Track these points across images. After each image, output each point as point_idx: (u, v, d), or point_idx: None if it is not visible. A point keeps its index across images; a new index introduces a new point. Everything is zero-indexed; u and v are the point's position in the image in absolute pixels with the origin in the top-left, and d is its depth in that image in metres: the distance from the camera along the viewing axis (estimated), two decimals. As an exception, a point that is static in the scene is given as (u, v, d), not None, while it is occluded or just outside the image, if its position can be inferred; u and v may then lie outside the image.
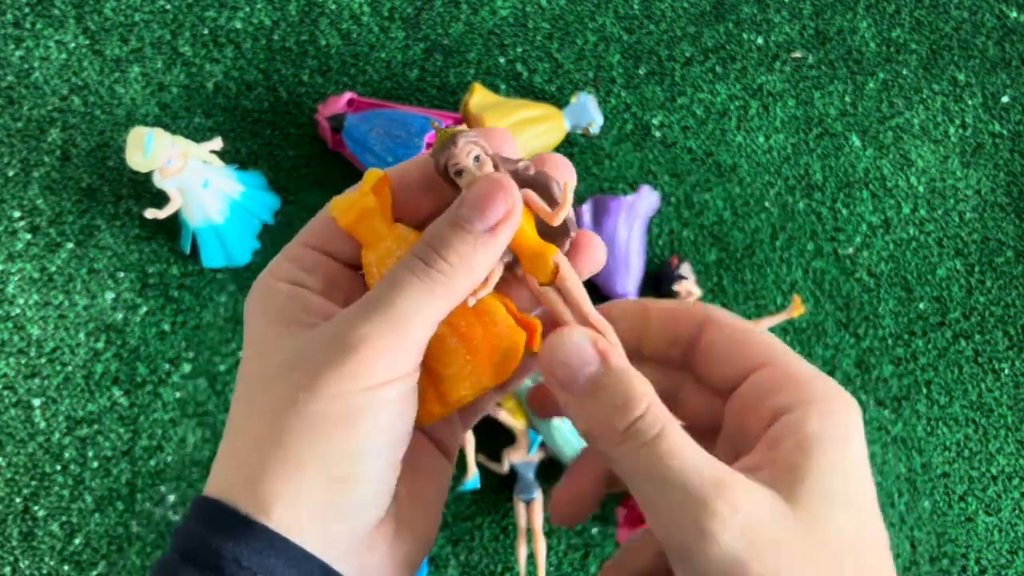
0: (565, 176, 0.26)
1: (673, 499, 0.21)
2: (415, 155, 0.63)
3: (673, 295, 0.66)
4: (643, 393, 0.23)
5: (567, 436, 0.61)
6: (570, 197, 0.26)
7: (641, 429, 0.22)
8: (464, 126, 0.27)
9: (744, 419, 0.25)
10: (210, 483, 0.24)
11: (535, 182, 0.26)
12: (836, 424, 0.23)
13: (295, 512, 0.23)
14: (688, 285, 0.65)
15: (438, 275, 0.24)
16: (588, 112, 0.69)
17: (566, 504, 0.29)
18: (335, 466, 0.23)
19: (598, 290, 0.67)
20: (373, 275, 0.27)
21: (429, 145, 0.67)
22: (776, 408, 0.24)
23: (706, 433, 0.26)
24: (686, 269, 0.66)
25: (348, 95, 0.68)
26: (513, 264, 0.27)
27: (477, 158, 0.26)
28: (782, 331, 0.69)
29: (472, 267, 0.24)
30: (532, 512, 0.62)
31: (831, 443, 0.22)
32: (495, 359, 0.26)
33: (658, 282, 0.68)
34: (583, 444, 0.61)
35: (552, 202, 0.26)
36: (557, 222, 0.26)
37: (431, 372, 0.26)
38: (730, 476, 0.22)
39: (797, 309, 0.65)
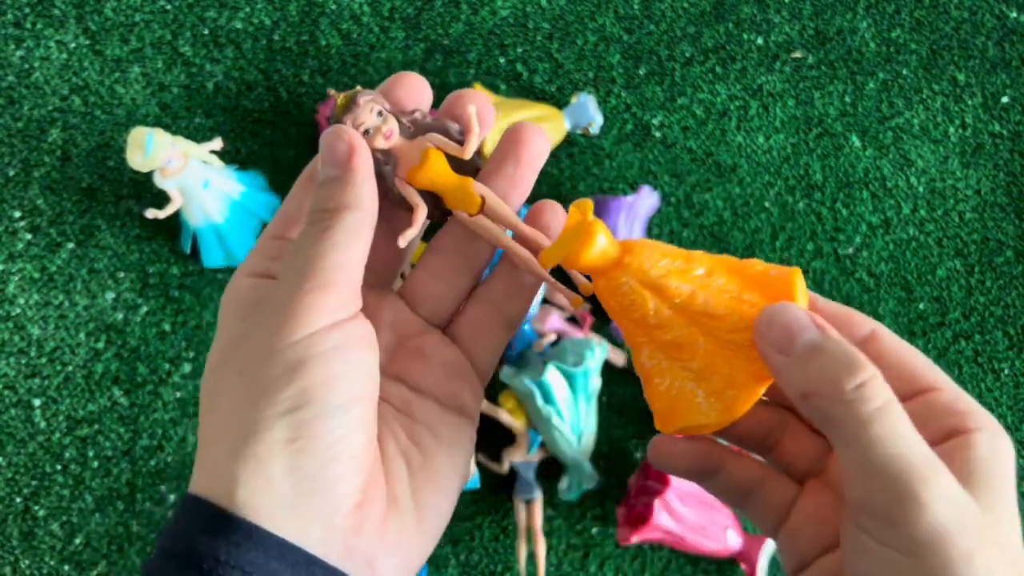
0: (470, 107, 0.28)
1: (891, 468, 0.23)
2: None
3: None
4: (868, 361, 0.24)
5: (567, 437, 0.61)
6: (475, 125, 0.28)
7: (870, 394, 0.23)
8: (358, 87, 0.28)
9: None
10: (193, 479, 0.25)
11: (434, 127, 0.28)
12: (1003, 453, 0.25)
13: (265, 498, 0.24)
14: None
15: (326, 222, 0.26)
16: (588, 112, 0.69)
17: (677, 457, 0.29)
18: (292, 430, 0.24)
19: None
20: (629, 293, 0.27)
21: None
22: (948, 429, 0.25)
23: None
24: None
25: None
26: (444, 207, 0.29)
27: (380, 113, 0.27)
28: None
29: (349, 203, 0.26)
30: (532, 512, 0.62)
31: (1000, 466, 0.25)
32: (779, 294, 0.26)
33: None
34: (583, 446, 0.62)
35: (457, 141, 0.28)
36: (468, 155, 0.28)
37: (735, 346, 0.26)
38: (941, 463, 0.23)
39: None
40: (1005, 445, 0.25)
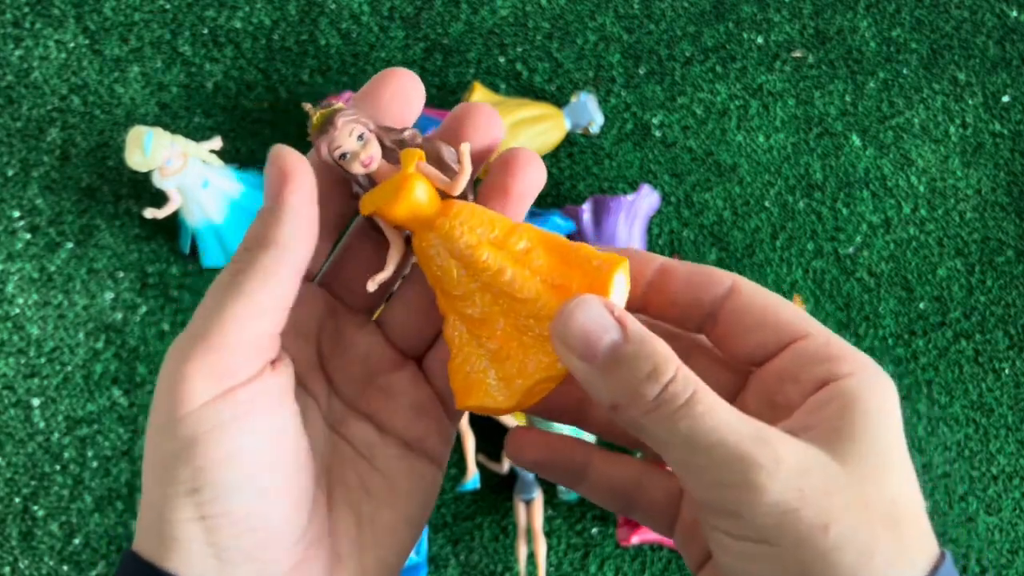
0: (475, 135, 0.25)
1: (714, 458, 0.21)
2: None
3: None
4: (669, 356, 0.22)
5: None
6: (467, 164, 0.25)
7: (674, 394, 0.21)
8: (339, 103, 0.25)
9: (780, 389, 0.24)
10: (135, 535, 0.24)
11: (425, 150, 0.25)
12: (880, 395, 0.23)
13: (193, 568, 0.22)
14: None
15: (240, 267, 0.23)
16: (588, 111, 0.69)
17: (529, 447, 0.28)
18: (197, 509, 0.22)
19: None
20: (436, 258, 0.25)
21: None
22: (820, 378, 0.23)
23: None
24: None
25: (348, 95, 0.68)
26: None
27: (361, 136, 0.24)
28: (782, 331, 0.69)
29: (270, 242, 0.23)
30: (532, 512, 0.62)
31: (876, 411, 0.22)
32: (594, 283, 0.24)
33: None
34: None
35: (446, 169, 0.25)
36: (457, 192, 0.25)
37: (533, 334, 0.24)
38: (768, 430, 0.21)
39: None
40: (881, 386, 0.23)
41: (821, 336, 0.24)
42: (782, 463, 0.21)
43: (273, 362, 0.24)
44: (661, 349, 0.22)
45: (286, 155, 0.24)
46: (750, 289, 0.26)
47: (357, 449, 0.26)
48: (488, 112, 0.26)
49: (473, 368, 0.25)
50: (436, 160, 0.25)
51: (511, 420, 0.62)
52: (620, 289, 0.24)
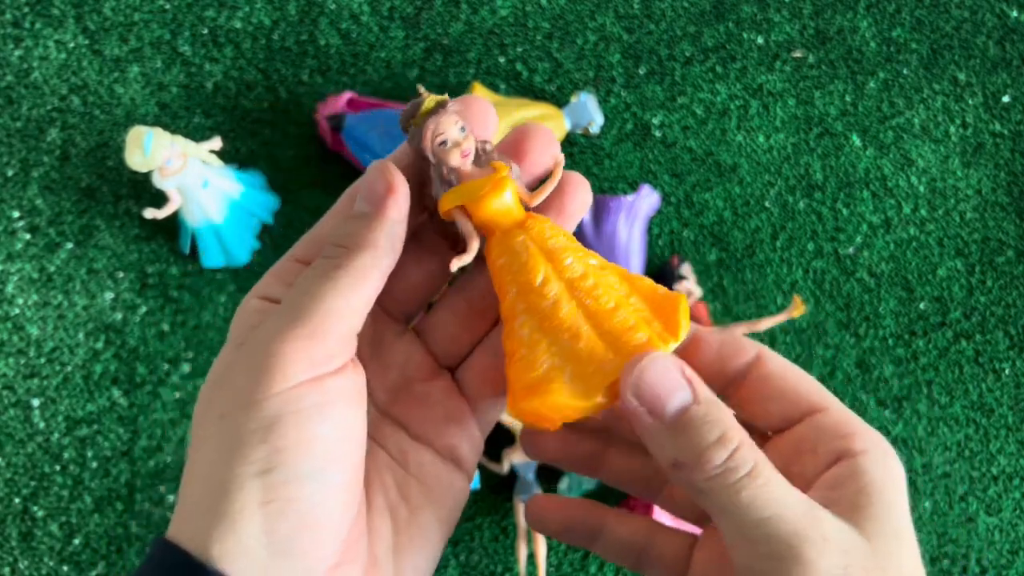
0: (536, 155, 0.27)
1: (769, 531, 0.22)
2: None
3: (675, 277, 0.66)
4: (736, 426, 0.23)
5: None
6: (558, 175, 0.27)
7: (738, 463, 0.22)
8: (445, 95, 0.26)
9: (798, 459, 0.25)
10: (171, 523, 0.24)
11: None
12: (893, 473, 0.25)
13: (238, 558, 0.22)
14: (688, 285, 0.65)
15: (338, 263, 0.24)
16: (588, 112, 0.69)
17: (550, 514, 0.29)
18: (265, 492, 0.22)
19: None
20: (522, 255, 0.26)
21: None
22: (836, 452, 0.25)
23: None
24: (686, 269, 0.66)
25: (348, 95, 0.68)
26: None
27: (463, 128, 0.26)
28: (782, 331, 0.69)
29: (370, 244, 0.24)
30: None
31: (891, 490, 0.24)
32: (665, 315, 0.25)
33: (658, 282, 0.68)
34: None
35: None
36: (535, 203, 0.27)
37: (611, 336, 0.25)
38: (818, 508, 0.23)
39: (798, 309, 0.64)
40: (893, 464, 0.25)
41: (838, 411, 0.26)
42: (829, 541, 0.22)
43: (352, 359, 0.25)
44: (728, 418, 0.23)
45: (393, 170, 0.25)
46: (775, 360, 0.27)
47: (391, 454, 0.27)
48: (546, 134, 0.27)
49: (547, 365, 0.25)
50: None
51: (511, 421, 0.62)
52: (685, 321, 0.25)
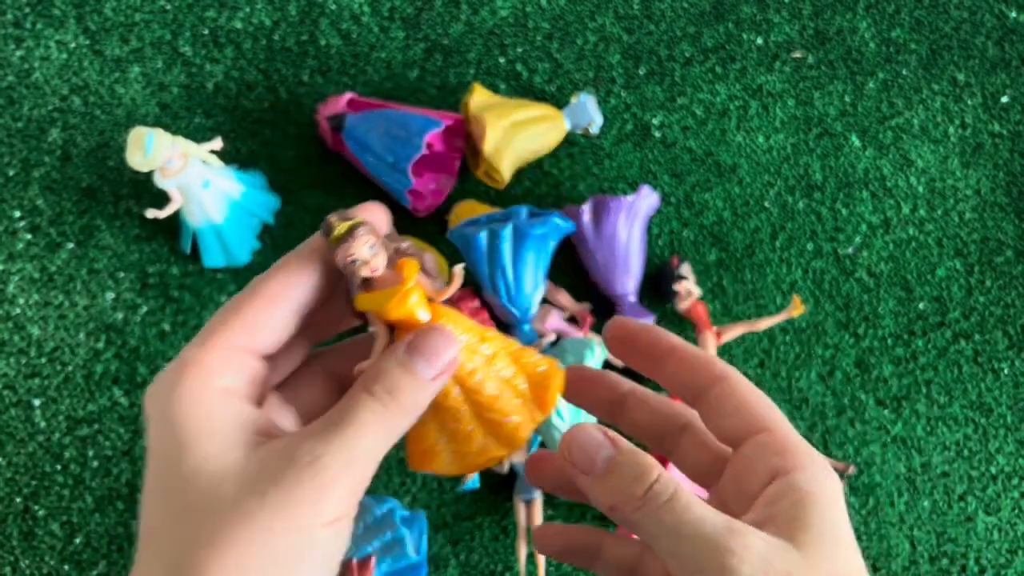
0: (458, 266, 0.31)
1: (694, 547, 0.25)
2: (414, 155, 0.63)
3: (673, 295, 0.66)
4: (653, 463, 0.27)
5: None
6: (457, 283, 0.30)
7: (657, 492, 0.26)
8: (359, 216, 0.29)
9: (744, 476, 0.29)
10: None
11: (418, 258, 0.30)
12: (827, 487, 0.27)
13: None
14: (688, 285, 0.66)
15: (391, 415, 0.27)
16: (588, 112, 0.69)
17: (552, 539, 0.34)
18: None
19: (597, 290, 0.67)
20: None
21: (429, 145, 0.68)
22: (772, 469, 0.28)
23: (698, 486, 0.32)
24: (686, 269, 0.66)
25: (348, 95, 0.68)
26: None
27: (372, 246, 0.29)
28: (782, 331, 0.69)
29: (418, 407, 0.28)
30: (532, 512, 0.62)
31: (825, 501, 0.27)
32: (538, 394, 0.31)
33: (658, 282, 0.68)
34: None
35: (428, 275, 0.30)
36: (441, 300, 0.30)
37: (489, 423, 0.31)
38: (736, 522, 0.26)
39: (797, 308, 0.65)
40: (825, 477, 0.28)
41: (780, 431, 0.29)
42: (749, 549, 0.25)
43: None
44: (646, 458, 0.27)
45: (454, 340, 0.29)
46: (737, 380, 0.30)
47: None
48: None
49: (433, 442, 0.31)
50: (424, 268, 0.31)
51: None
52: (553, 395, 0.31)
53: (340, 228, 0.28)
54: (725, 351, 0.68)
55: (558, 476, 0.33)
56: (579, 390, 0.34)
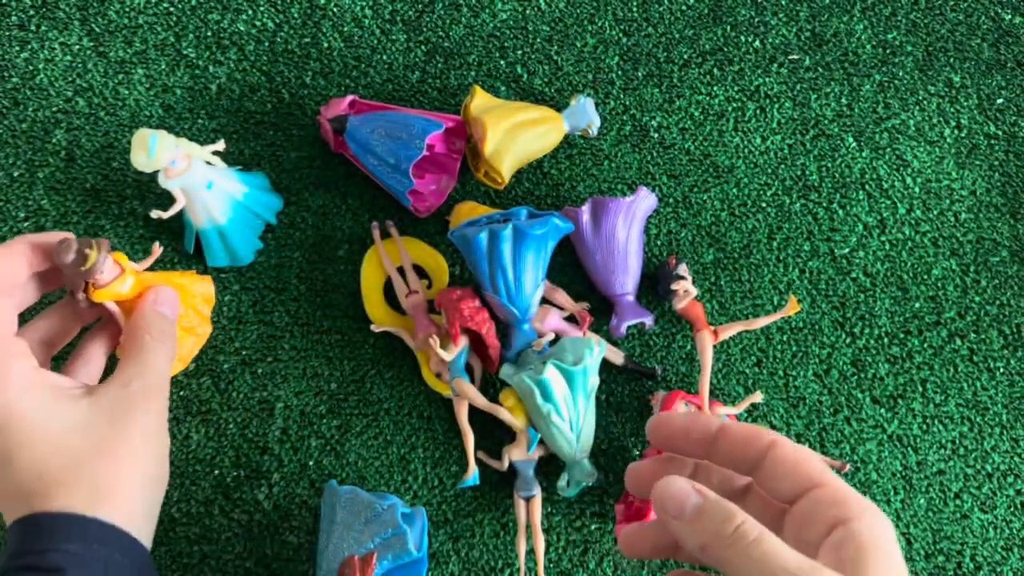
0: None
1: None
2: (415, 156, 0.63)
3: (671, 294, 0.66)
4: (737, 509, 0.31)
5: (566, 435, 0.61)
6: (155, 255, 0.58)
7: (744, 531, 0.30)
8: (94, 243, 0.52)
9: (804, 527, 0.32)
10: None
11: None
12: (883, 532, 0.31)
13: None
14: (686, 284, 0.66)
15: (170, 343, 0.55)
16: (587, 114, 0.70)
17: (640, 541, 0.39)
18: None
19: (596, 290, 0.68)
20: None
21: (430, 146, 0.68)
22: (834, 519, 0.31)
23: None
24: (684, 269, 0.67)
25: (350, 97, 0.69)
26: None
27: (111, 265, 0.55)
28: (778, 330, 0.70)
29: (175, 334, 0.55)
30: (532, 509, 0.63)
31: (884, 546, 0.30)
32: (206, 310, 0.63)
33: (655, 282, 0.69)
34: (582, 443, 0.62)
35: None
36: (144, 266, 0.57)
37: (187, 331, 0.61)
38: (813, 562, 0.29)
39: (793, 308, 0.65)
40: (882, 523, 0.31)
41: (833, 484, 0.33)
42: None
43: None
44: (731, 505, 0.31)
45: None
46: (785, 444, 0.34)
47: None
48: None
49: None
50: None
51: (511, 418, 0.63)
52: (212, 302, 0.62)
53: (92, 257, 0.50)
54: (723, 350, 0.69)
55: (650, 543, 0.38)
56: (671, 442, 0.37)
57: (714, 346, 0.67)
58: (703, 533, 0.31)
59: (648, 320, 0.66)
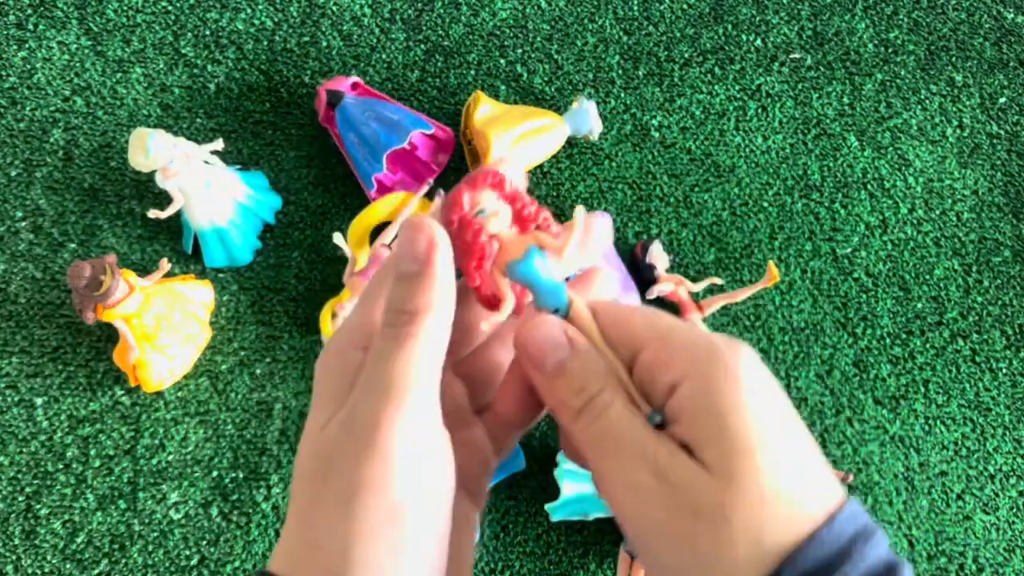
0: (579, 208, 0.29)
1: (619, 460, 0.25)
2: (396, 145, 0.64)
3: (653, 280, 0.67)
4: (597, 374, 0.26)
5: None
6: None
7: (593, 408, 0.25)
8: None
9: (649, 394, 0.26)
10: (275, 558, 0.26)
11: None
12: (721, 385, 0.24)
13: None
14: (661, 287, 0.66)
15: (404, 328, 0.26)
16: (588, 119, 0.69)
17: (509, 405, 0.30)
18: (384, 570, 0.24)
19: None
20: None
21: (413, 146, 0.68)
22: (667, 385, 0.25)
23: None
24: (654, 254, 0.67)
25: (353, 78, 0.69)
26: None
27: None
28: (780, 331, 0.69)
29: (426, 306, 0.26)
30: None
31: (718, 403, 0.24)
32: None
33: (633, 271, 0.69)
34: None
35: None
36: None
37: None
38: (658, 440, 0.24)
39: (772, 278, 0.64)
40: (719, 375, 0.24)
41: (658, 343, 0.26)
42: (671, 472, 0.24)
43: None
44: (593, 370, 0.26)
45: (429, 223, 0.26)
46: (603, 307, 0.28)
47: None
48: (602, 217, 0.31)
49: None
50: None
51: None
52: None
53: (107, 283, 0.42)
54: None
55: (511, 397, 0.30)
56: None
57: (703, 319, 0.67)
58: (555, 397, 0.26)
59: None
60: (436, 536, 0.25)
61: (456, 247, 0.27)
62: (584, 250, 0.29)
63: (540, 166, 0.72)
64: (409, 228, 0.26)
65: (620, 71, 0.75)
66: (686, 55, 0.76)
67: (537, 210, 0.28)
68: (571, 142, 0.72)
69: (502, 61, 0.74)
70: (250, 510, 0.63)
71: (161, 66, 0.73)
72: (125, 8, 0.74)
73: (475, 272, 0.28)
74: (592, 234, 0.29)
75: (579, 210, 0.27)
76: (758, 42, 0.76)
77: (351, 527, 0.24)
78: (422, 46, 0.74)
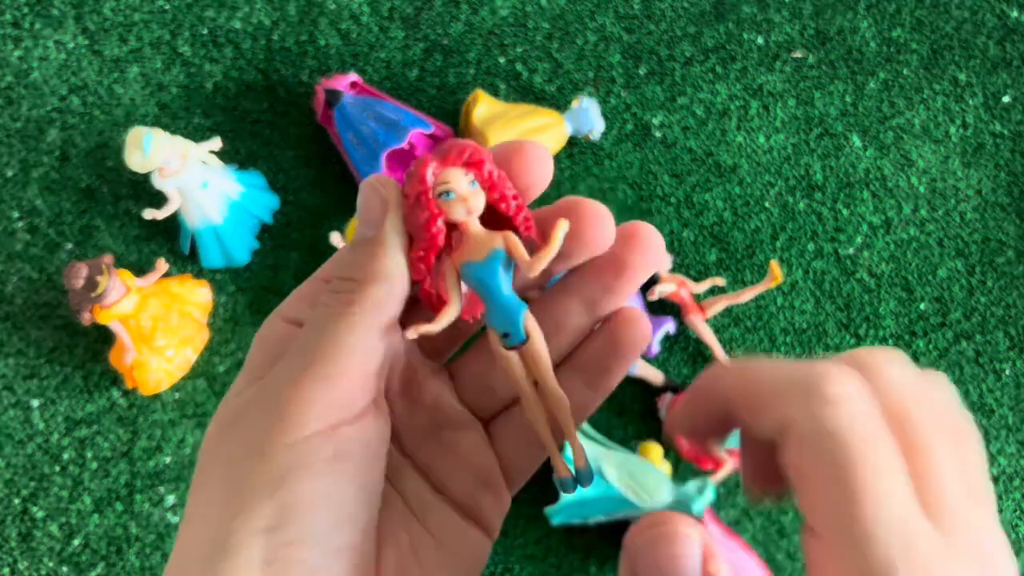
0: (561, 222, 0.24)
1: None
2: (394, 145, 0.64)
3: (655, 280, 0.66)
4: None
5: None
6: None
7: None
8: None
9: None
10: (167, 570, 0.22)
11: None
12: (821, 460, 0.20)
13: None
14: (661, 289, 0.66)
15: (350, 297, 0.23)
16: (590, 119, 0.69)
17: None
18: (268, 551, 0.20)
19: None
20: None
21: (412, 145, 0.67)
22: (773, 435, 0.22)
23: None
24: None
25: (353, 76, 0.68)
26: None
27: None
28: (783, 332, 0.69)
29: (379, 274, 0.23)
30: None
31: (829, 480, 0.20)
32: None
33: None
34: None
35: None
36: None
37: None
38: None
39: (776, 278, 0.64)
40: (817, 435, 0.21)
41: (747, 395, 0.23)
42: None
43: (375, 403, 0.23)
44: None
45: (388, 183, 0.23)
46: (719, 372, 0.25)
47: (409, 504, 0.25)
48: (598, 209, 0.24)
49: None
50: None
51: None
52: None
53: (103, 284, 0.39)
54: (726, 352, 0.68)
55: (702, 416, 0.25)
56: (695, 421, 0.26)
57: (705, 321, 0.66)
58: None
59: (670, 326, 0.66)
60: (335, 553, 0.21)
61: (407, 225, 0.23)
62: (625, 271, 0.25)
63: (540, 166, 0.71)
64: (366, 186, 0.23)
65: (621, 69, 0.74)
66: (687, 53, 0.75)
67: (519, 206, 0.23)
68: (571, 141, 0.72)
69: (502, 59, 0.74)
70: (248, 513, 0.63)
71: (158, 65, 0.72)
72: (122, 7, 0.73)
73: (417, 262, 0.23)
74: (639, 253, 0.25)
75: (561, 225, 0.23)
76: (760, 41, 0.76)
77: (232, 500, 0.21)
78: (421, 44, 0.74)
